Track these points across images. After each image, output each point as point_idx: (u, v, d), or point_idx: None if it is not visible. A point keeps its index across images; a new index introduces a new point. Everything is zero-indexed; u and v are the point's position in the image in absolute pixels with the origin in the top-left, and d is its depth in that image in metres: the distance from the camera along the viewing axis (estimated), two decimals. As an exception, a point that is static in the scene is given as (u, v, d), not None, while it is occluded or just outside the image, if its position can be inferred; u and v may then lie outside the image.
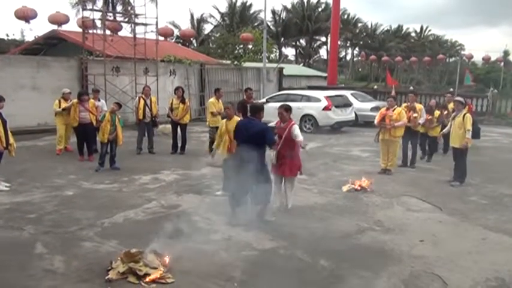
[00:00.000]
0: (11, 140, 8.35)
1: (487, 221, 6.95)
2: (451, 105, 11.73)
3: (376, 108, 16.55)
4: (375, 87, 31.14)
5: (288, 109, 7.07)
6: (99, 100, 12.03)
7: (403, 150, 10.73)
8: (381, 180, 9.30)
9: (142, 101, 11.81)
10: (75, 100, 10.93)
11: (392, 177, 9.73)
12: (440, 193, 8.50)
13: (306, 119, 16.57)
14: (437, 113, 11.15)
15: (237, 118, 7.58)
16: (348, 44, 67.30)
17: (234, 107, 7.92)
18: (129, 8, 23.36)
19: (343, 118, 16.98)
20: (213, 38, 48.90)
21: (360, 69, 69.47)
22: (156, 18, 17.54)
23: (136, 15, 18.05)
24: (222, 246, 5.69)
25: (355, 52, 68.74)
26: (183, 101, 11.85)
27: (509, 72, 42.15)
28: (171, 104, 11.90)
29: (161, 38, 21.83)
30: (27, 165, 10.10)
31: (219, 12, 55.98)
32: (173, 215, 6.93)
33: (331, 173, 10.08)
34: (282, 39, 60.34)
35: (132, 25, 18.32)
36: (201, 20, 53.58)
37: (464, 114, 8.88)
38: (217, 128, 8.46)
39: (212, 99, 11.22)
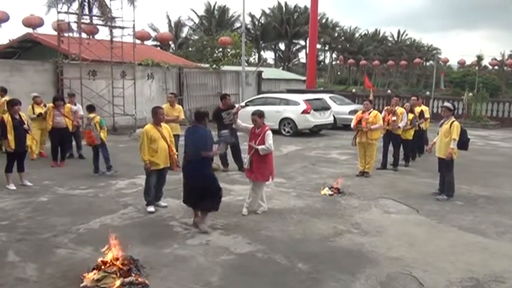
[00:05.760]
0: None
1: (462, 222, 7.06)
2: (417, 110, 11.88)
3: (354, 112, 16.69)
4: (354, 90, 31.49)
5: (261, 115, 7.13)
6: (75, 104, 11.83)
7: (384, 153, 10.84)
8: (358, 183, 9.38)
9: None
10: (51, 105, 10.73)
11: (370, 179, 9.81)
12: (417, 195, 8.60)
13: (285, 122, 16.64)
14: (410, 115, 11.27)
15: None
16: (326, 48, 67.97)
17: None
18: (106, 11, 23.11)
19: (322, 121, 17.09)
20: (191, 41, 48.77)
21: (339, 73, 70.18)
22: (133, 21, 17.42)
23: (113, 18, 17.83)
24: (200, 251, 5.64)
25: (334, 56, 69.48)
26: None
27: (483, 76, 43.09)
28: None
29: (138, 42, 21.62)
30: None
31: (197, 15, 55.99)
32: (150, 220, 6.86)
33: (309, 176, 10.12)
34: (261, 42, 60.60)
35: (109, 28, 18.10)
36: (179, 23, 53.45)
37: (452, 122, 8.16)
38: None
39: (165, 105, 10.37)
